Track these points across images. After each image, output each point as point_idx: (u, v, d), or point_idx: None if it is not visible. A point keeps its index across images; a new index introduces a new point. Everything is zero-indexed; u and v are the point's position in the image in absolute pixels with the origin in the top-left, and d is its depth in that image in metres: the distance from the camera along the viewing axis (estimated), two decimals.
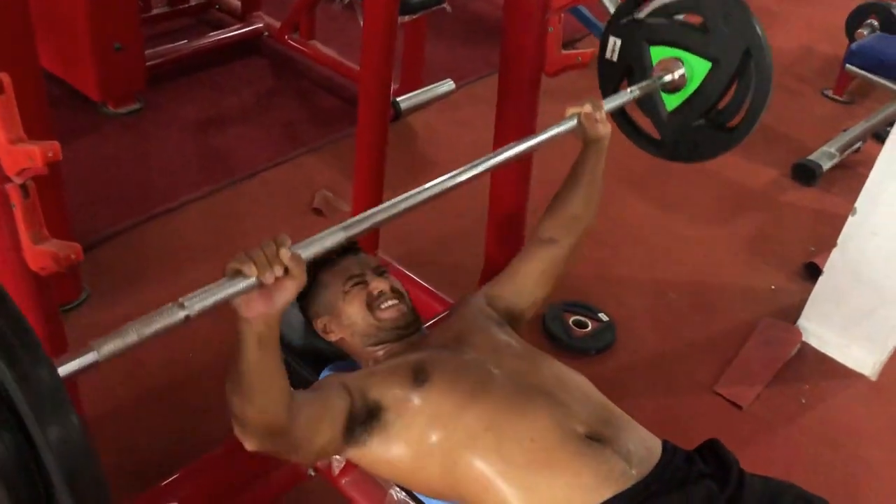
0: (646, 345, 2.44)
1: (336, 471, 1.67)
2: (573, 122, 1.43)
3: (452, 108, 3.46)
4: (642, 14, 1.63)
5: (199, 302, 0.90)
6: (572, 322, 2.43)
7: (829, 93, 3.99)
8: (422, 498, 1.45)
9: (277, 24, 3.65)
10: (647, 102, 1.64)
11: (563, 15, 1.68)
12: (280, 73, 3.66)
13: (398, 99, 2.48)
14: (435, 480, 1.27)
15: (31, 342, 0.70)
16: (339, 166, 3.01)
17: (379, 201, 2.30)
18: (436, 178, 1.30)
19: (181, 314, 0.89)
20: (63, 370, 0.81)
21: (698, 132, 1.62)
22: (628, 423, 1.31)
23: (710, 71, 1.56)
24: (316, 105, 3.51)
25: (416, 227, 2.75)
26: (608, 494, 1.17)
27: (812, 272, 2.67)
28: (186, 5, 3.77)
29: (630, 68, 1.66)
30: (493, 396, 1.27)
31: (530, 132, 1.88)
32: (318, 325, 1.48)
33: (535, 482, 1.20)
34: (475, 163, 1.31)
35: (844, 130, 3.49)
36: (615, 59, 1.67)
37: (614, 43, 1.65)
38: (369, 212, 1.14)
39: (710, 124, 1.61)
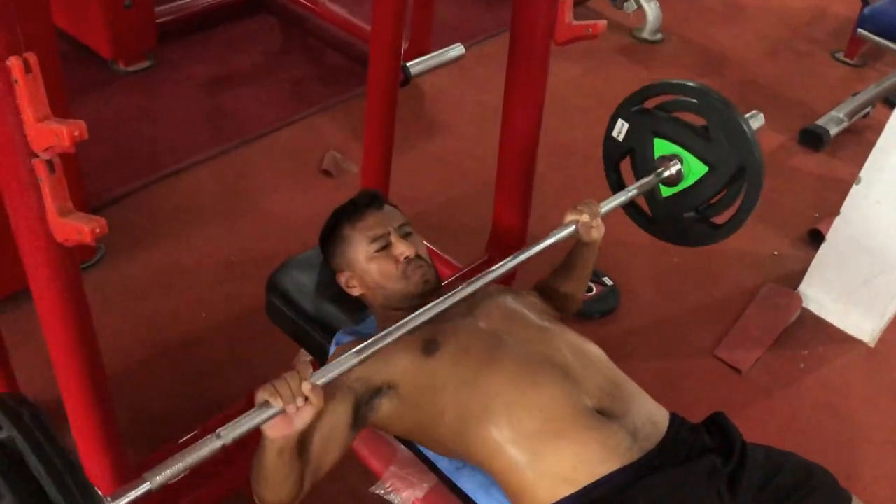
0: (649, 309, 2.48)
1: None
2: (571, 229, 1.49)
3: (461, 67, 3.43)
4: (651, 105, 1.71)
5: (233, 431, 1.02)
6: None
7: (841, 56, 3.96)
8: (429, 454, 1.50)
9: None
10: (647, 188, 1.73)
11: None
12: (289, 31, 3.65)
13: (408, 64, 2.47)
14: (445, 441, 1.32)
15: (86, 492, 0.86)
16: (349, 126, 3.03)
17: (388, 164, 2.33)
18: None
19: (218, 443, 1.01)
20: (122, 501, 0.94)
21: (688, 222, 1.71)
22: (637, 397, 1.34)
23: (706, 174, 1.64)
24: (324, 63, 3.51)
25: (424, 191, 2.78)
26: (613, 467, 1.22)
27: (815, 239, 2.69)
28: None
29: (633, 150, 1.74)
30: (503, 366, 1.31)
31: (540, 101, 1.91)
32: (341, 278, 1.51)
33: (542, 450, 1.24)
34: (477, 278, 1.34)
35: (854, 95, 3.48)
36: (621, 139, 1.75)
37: (622, 125, 1.73)
38: (376, 336, 1.20)
39: (699, 217, 1.70)
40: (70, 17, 3.18)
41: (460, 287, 1.31)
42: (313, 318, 1.67)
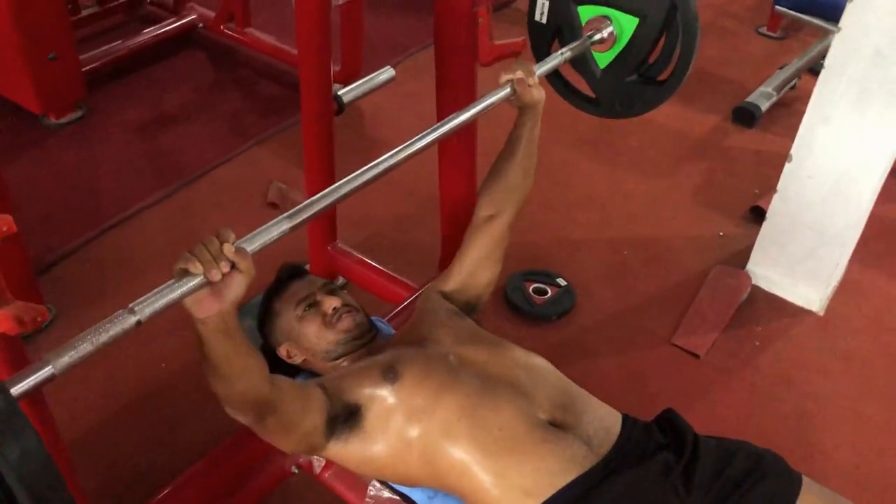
0: (604, 305, 2.53)
1: (318, 468, 1.74)
2: (507, 90, 1.43)
3: (396, 82, 3.46)
4: None
5: (149, 306, 0.91)
6: (532, 290, 2.50)
7: (764, 30, 4.06)
8: (399, 487, 1.53)
9: (212, 15, 3.62)
10: (580, 62, 1.67)
11: (490, 6, 1.71)
12: (220, 65, 3.63)
13: (339, 93, 2.49)
14: (414, 471, 1.35)
15: None
16: (290, 155, 3.02)
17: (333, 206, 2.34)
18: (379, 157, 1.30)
19: (132, 319, 0.90)
20: (19, 388, 0.82)
21: (631, 88, 1.66)
22: (588, 405, 1.39)
23: (638, 26, 1.59)
24: (259, 94, 3.50)
25: (371, 211, 2.79)
26: (571, 476, 1.26)
27: (757, 215, 2.76)
28: (116, 3, 3.70)
29: (559, 29, 1.69)
30: (461, 388, 1.34)
31: (471, 133, 1.93)
32: (281, 352, 1.53)
33: (504, 468, 1.28)
34: (413, 140, 1.31)
35: (780, 68, 3.57)
36: (544, 20, 1.69)
37: (542, 4, 1.67)
38: (312, 199, 1.13)
39: (642, 79, 1.65)
40: None
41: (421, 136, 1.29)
42: (270, 365, 1.67)
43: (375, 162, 1.25)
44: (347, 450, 1.34)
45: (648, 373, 2.31)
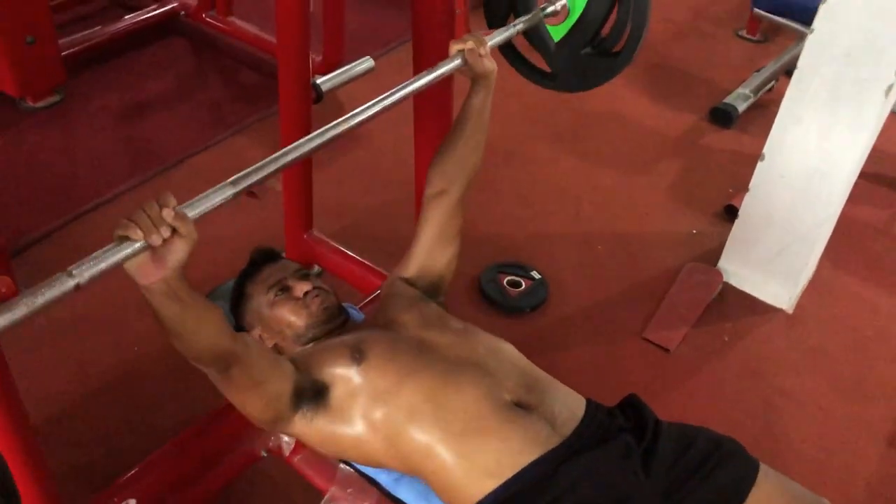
0: (577, 298, 2.55)
1: (287, 451, 1.75)
2: (458, 61, 1.44)
3: (376, 76, 3.42)
4: None
5: (88, 269, 0.90)
6: (506, 283, 2.53)
7: (743, 33, 4.10)
8: (366, 471, 1.54)
9: (194, 3, 3.61)
10: (535, 36, 1.68)
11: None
12: (200, 53, 3.63)
13: (318, 81, 2.49)
14: (380, 453, 1.36)
15: None
16: (269, 144, 3.01)
17: (310, 179, 2.35)
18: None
19: (71, 283, 0.88)
20: None
21: (586, 60, 1.68)
22: (552, 387, 1.42)
23: None
24: (240, 83, 3.50)
25: (349, 201, 2.81)
26: (534, 456, 1.28)
27: (730, 214, 2.80)
28: None
29: (514, 4, 1.70)
30: (427, 370, 1.36)
31: (447, 120, 1.93)
32: (254, 336, 1.54)
33: (469, 449, 1.30)
34: (361, 109, 1.36)
35: (757, 71, 3.62)
36: None
37: None
38: (258, 164, 1.13)
39: (597, 51, 1.67)
40: None
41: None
42: None
43: (322, 129, 1.27)
44: (312, 426, 1.35)
45: (618, 365, 2.33)
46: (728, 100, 3.46)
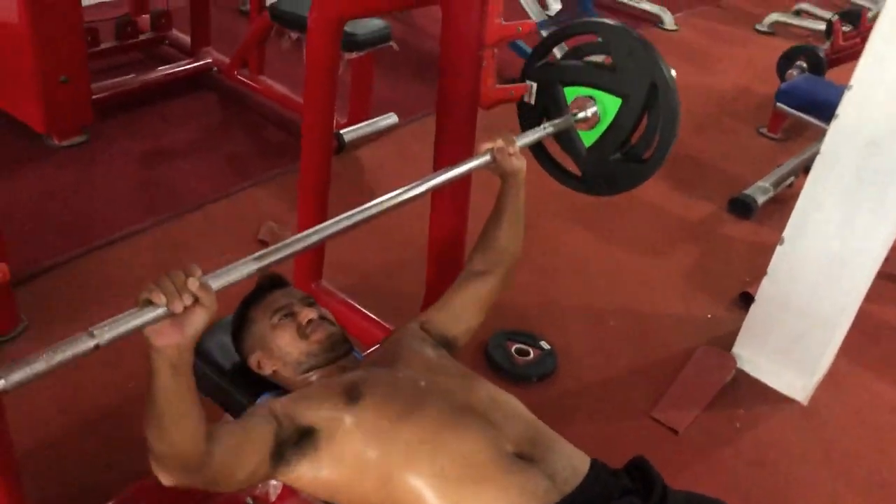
0: (586, 372, 2.49)
1: (273, 497, 1.67)
2: (487, 157, 1.49)
3: (399, 143, 3.53)
4: (555, 57, 1.73)
5: (109, 331, 0.91)
6: (514, 350, 2.47)
7: (765, 130, 4.14)
8: None
9: (227, 60, 3.69)
10: (566, 140, 1.73)
11: (496, 50, 1.74)
12: (228, 108, 3.69)
13: (342, 131, 2.53)
14: (369, 495, 1.29)
15: None
16: (287, 198, 3.03)
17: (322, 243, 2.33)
18: None
19: (91, 343, 0.90)
20: None
21: (615, 166, 1.71)
22: (556, 443, 1.35)
23: (621, 107, 1.64)
24: (264, 139, 3.54)
25: (361, 256, 2.78)
26: None
27: (746, 301, 2.74)
28: (135, 40, 3.79)
29: (547, 109, 1.75)
30: (427, 412, 1.30)
31: (466, 177, 1.93)
32: (252, 361, 1.50)
33: (464, 496, 1.23)
34: (387, 197, 1.38)
35: (778, 166, 3.63)
36: (532, 101, 1.76)
37: (531, 87, 1.74)
38: (282, 243, 1.16)
39: (626, 157, 1.69)
40: (4, 92, 3.16)
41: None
42: (236, 380, 1.63)
43: (347, 214, 1.30)
44: (297, 472, 1.29)
45: (625, 443, 2.24)
46: (748, 191, 3.45)
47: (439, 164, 1.95)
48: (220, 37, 3.88)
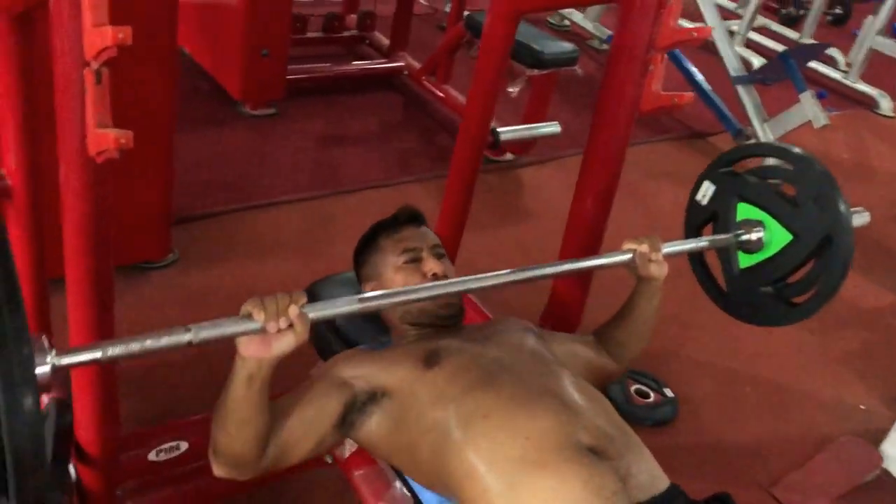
0: (707, 429, 2.30)
1: (347, 453, 1.66)
2: (628, 256, 1.42)
3: (565, 170, 3.47)
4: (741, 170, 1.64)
5: (204, 331, 0.98)
6: (634, 390, 2.33)
7: None
8: (419, 492, 1.41)
9: (417, 66, 3.82)
10: (723, 253, 1.62)
11: (665, 56, 1.67)
12: (409, 110, 3.81)
13: (499, 129, 2.52)
14: (424, 463, 1.24)
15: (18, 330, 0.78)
16: (440, 199, 3.06)
17: (459, 235, 2.33)
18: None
19: (185, 337, 0.97)
20: (63, 360, 0.90)
21: (763, 298, 1.58)
22: (640, 449, 1.24)
23: (790, 244, 1.52)
24: (434, 142, 3.61)
25: (492, 269, 2.74)
26: None
27: None
28: (339, 35, 4.02)
29: (716, 215, 1.66)
30: (499, 388, 1.24)
31: (616, 170, 1.86)
32: (366, 289, 1.48)
33: (519, 479, 1.14)
34: (513, 271, 1.33)
35: None
36: (704, 202, 1.67)
37: (707, 187, 1.65)
38: (384, 291, 1.25)
39: (777, 294, 1.57)
40: (213, 59, 3.44)
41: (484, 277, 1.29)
42: (337, 331, 1.63)
43: (467, 279, 1.28)
44: (361, 433, 1.28)
45: None
46: None
47: (587, 170, 1.90)
48: (416, 45, 4.02)
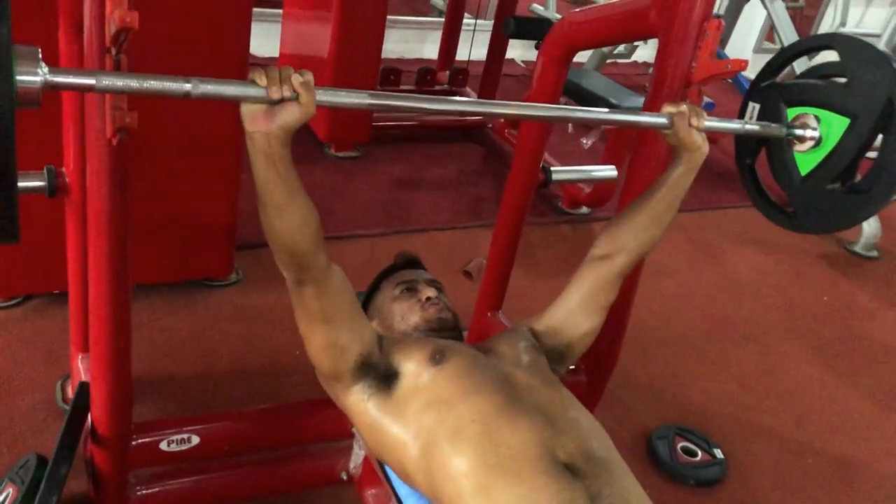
0: (756, 495, 2.16)
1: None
2: (664, 119, 1.29)
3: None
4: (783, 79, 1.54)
5: (203, 85, 0.95)
6: (680, 447, 2.22)
7: None
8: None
9: (501, 120, 3.89)
10: (779, 165, 1.51)
11: (703, 89, 1.64)
12: (488, 160, 3.87)
13: (551, 168, 2.53)
14: (410, 461, 1.25)
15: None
16: None
17: (508, 273, 2.32)
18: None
19: (185, 87, 0.94)
20: (59, 78, 0.87)
21: (832, 198, 1.46)
22: (622, 474, 1.20)
23: (849, 128, 1.41)
24: None
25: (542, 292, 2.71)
26: None
27: None
28: (431, 88, 4.14)
29: (766, 138, 1.54)
30: (490, 396, 1.24)
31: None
32: (373, 326, 1.53)
33: (493, 483, 1.14)
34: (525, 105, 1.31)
35: None
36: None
37: (752, 108, 1.56)
38: (395, 94, 1.17)
39: (846, 189, 1.44)
40: None
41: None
42: None
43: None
44: (366, 406, 1.30)
45: None
46: None
47: (631, 180, 1.82)
48: (504, 99, 4.10)
